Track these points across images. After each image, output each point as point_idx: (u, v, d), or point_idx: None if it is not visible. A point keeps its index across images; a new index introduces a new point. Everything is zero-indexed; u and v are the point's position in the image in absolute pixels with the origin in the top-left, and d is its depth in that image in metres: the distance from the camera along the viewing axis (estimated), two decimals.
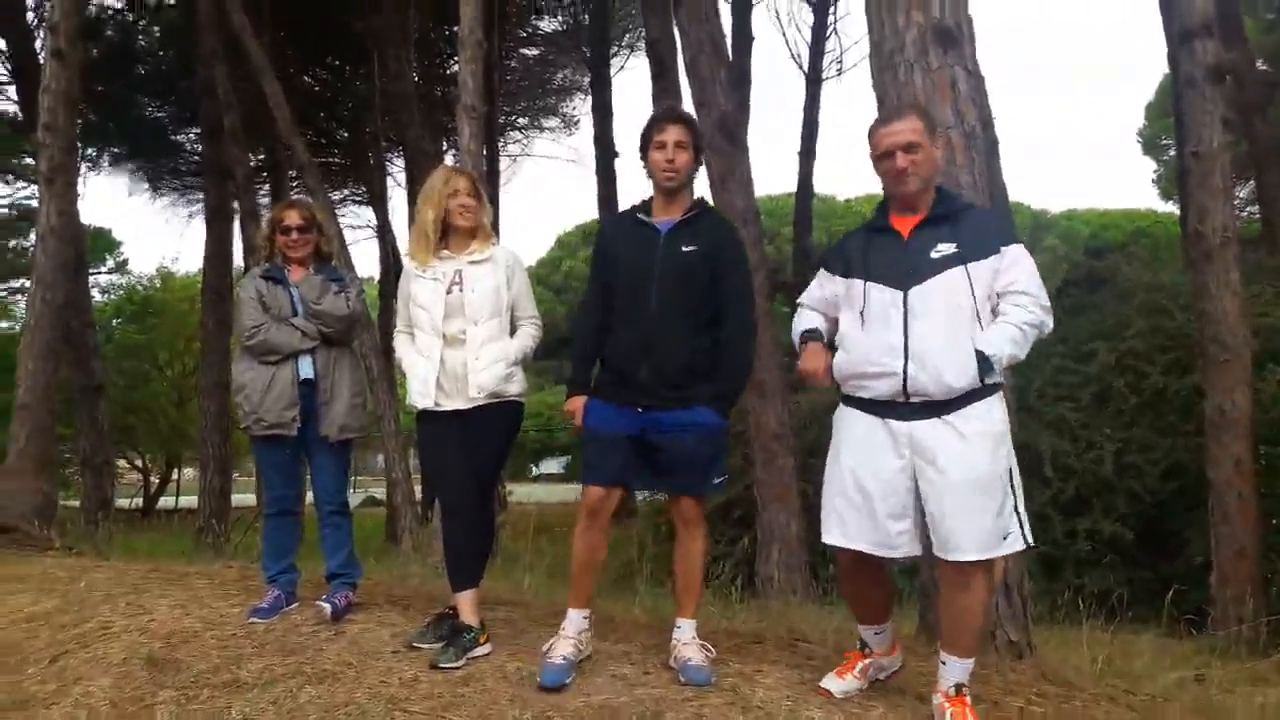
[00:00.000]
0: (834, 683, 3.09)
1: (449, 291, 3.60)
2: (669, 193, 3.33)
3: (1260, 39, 17.37)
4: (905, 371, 2.82)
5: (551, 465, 38.23)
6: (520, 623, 3.99)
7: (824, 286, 3.14)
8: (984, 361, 2.77)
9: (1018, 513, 2.81)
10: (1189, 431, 7.21)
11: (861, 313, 2.95)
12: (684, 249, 3.27)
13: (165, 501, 24.51)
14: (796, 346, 3.17)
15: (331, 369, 4.06)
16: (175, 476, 26.38)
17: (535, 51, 21.31)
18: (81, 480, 14.09)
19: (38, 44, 15.15)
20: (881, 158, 2.97)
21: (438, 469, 3.62)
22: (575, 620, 3.32)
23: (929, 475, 2.80)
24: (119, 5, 17.58)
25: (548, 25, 20.50)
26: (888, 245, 2.98)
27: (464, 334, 3.56)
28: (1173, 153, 25.80)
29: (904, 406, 2.85)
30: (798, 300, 3.27)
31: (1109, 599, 5.89)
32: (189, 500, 19.28)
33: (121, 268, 27.06)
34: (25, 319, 7.85)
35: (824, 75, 15.26)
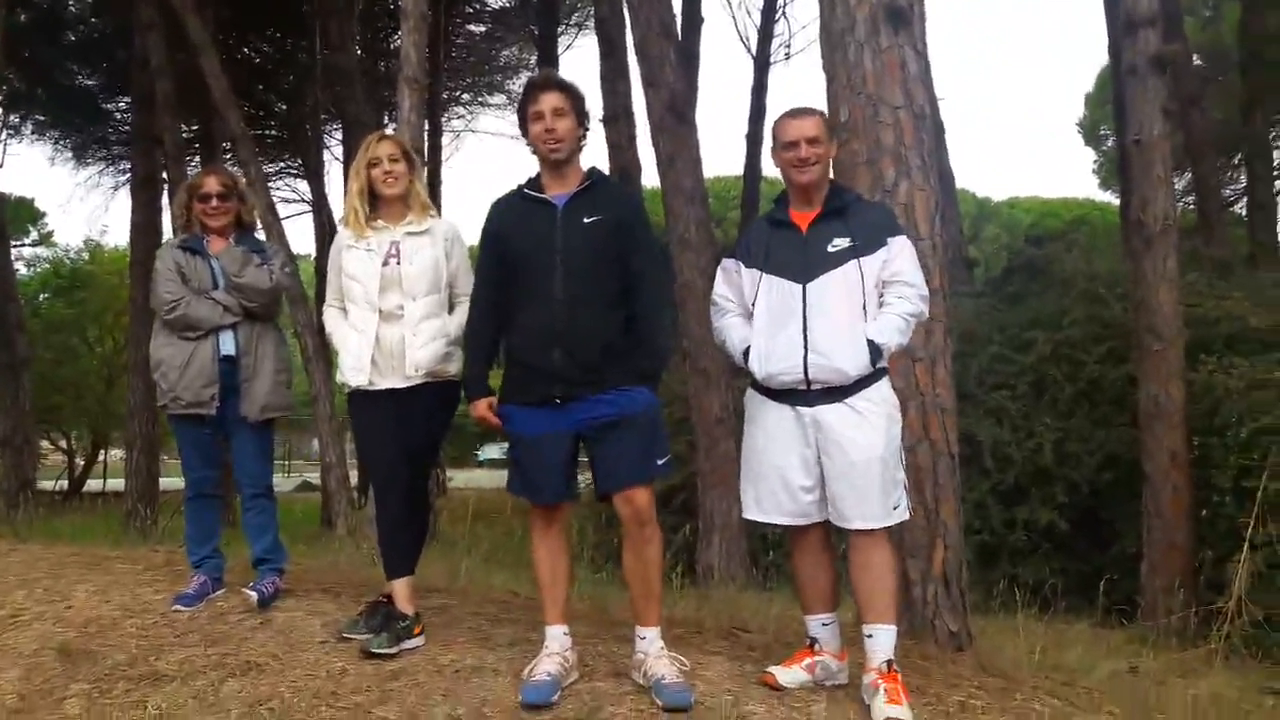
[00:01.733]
0: (781, 672, 3.06)
1: (385, 264, 3.43)
2: (557, 165, 3.11)
3: (1198, 36, 17.78)
4: (806, 362, 3.00)
5: (494, 450, 37.93)
6: (455, 611, 3.88)
7: (731, 277, 3.24)
8: (875, 350, 3.00)
9: (905, 489, 3.08)
10: (1124, 422, 7.31)
11: (764, 304, 3.11)
12: (585, 220, 3.05)
13: (93, 484, 23.77)
14: (737, 358, 3.18)
15: (254, 345, 3.88)
16: (102, 458, 25.62)
17: (482, 28, 21.01)
18: (1, 460, 13.60)
19: None
20: (786, 147, 3.13)
21: (371, 451, 3.49)
22: (556, 637, 3.05)
23: (832, 454, 3.00)
24: None
25: (495, 2, 20.24)
26: (787, 239, 3.14)
27: (401, 309, 3.40)
28: (1112, 142, 26.34)
29: (807, 393, 3.03)
30: (713, 297, 3.31)
31: (1044, 588, 5.97)
32: (117, 483, 18.76)
33: (46, 239, 26.14)
34: None
35: (772, 60, 15.24)
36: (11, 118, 19.07)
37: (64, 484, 22.88)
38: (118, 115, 19.13)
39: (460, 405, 3.53)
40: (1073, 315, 8.13)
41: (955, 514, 3.92)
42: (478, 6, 20.22)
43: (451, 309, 3.50)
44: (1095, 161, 29.99)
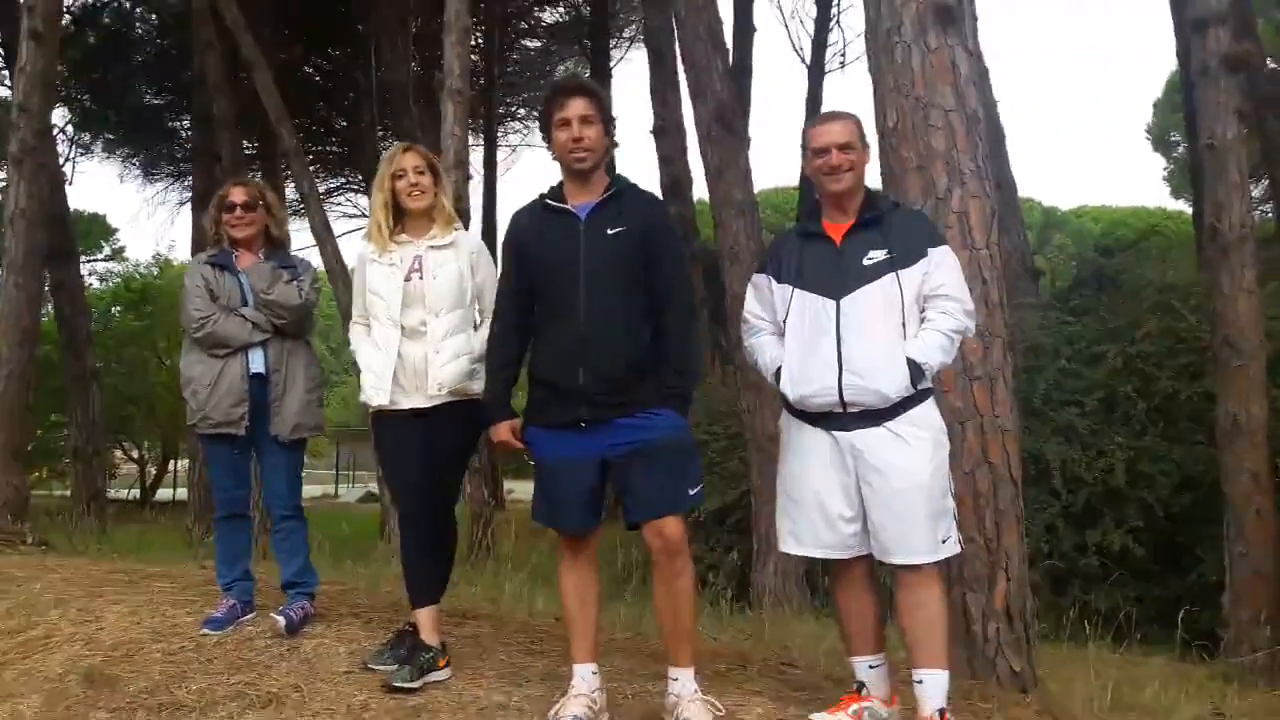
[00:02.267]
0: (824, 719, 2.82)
1: (407, 279, 3.30)
2: (581, 175, 2.93)
3: (1272, 38, 17.10)
4: (840, 383, 2.81)
5: None
6: (487, 640, 3.72)
7: (762, 293, 3.06)
8: (915, 369, 2.80)
9: (954, 516, 2.86)
10: (1201, 440, 6.93)
11: (797, 322, 2.93)
12: (609, 232, 2.88)
13: (163, 493, 24.26)
14: (769, 379, 2.99)
15: (284, 363, 3.77)
16: (172, 467, 26.14)
17: (536, 43, 21.17)
18: (73, 470, 13.86)
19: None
20: (817, 153, 2.97)
21: (394, 473, 3.37)
22: (584, 677, 2.88)
23: (873, 482, 2.80)
24: None
25: (549, 17, 20.35)
26: (820, 252, 2.95)
27: (424, 326, 3.27)
28: (1182, 149, 25.59)
29: (843, 417, 2.83)
30: (744, 314, 3.13)
31: (1118, 617, 5.64)
32: (185, 492, 19.10)
33: (118, 255, 26.82)
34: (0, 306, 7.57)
35: (827, 68, 15.01)
36: (82, 136, 19.61)
37: (136, 493, 23.39)
38: (182, 133, 19.61)
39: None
40: (1145, 328, 7.76)
41: (1018, 543, 3.66)
42: (532, 22, 20.40)
43: (477, 325, 3.36)
44: (1165, 169, 29.22)
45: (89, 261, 24.16)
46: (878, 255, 2.86)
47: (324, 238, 10.17)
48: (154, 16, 17.82)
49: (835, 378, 2.80)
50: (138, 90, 18.69)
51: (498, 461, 15.44)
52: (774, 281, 3.00)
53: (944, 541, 2.80)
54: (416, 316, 3.28)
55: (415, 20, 14.67)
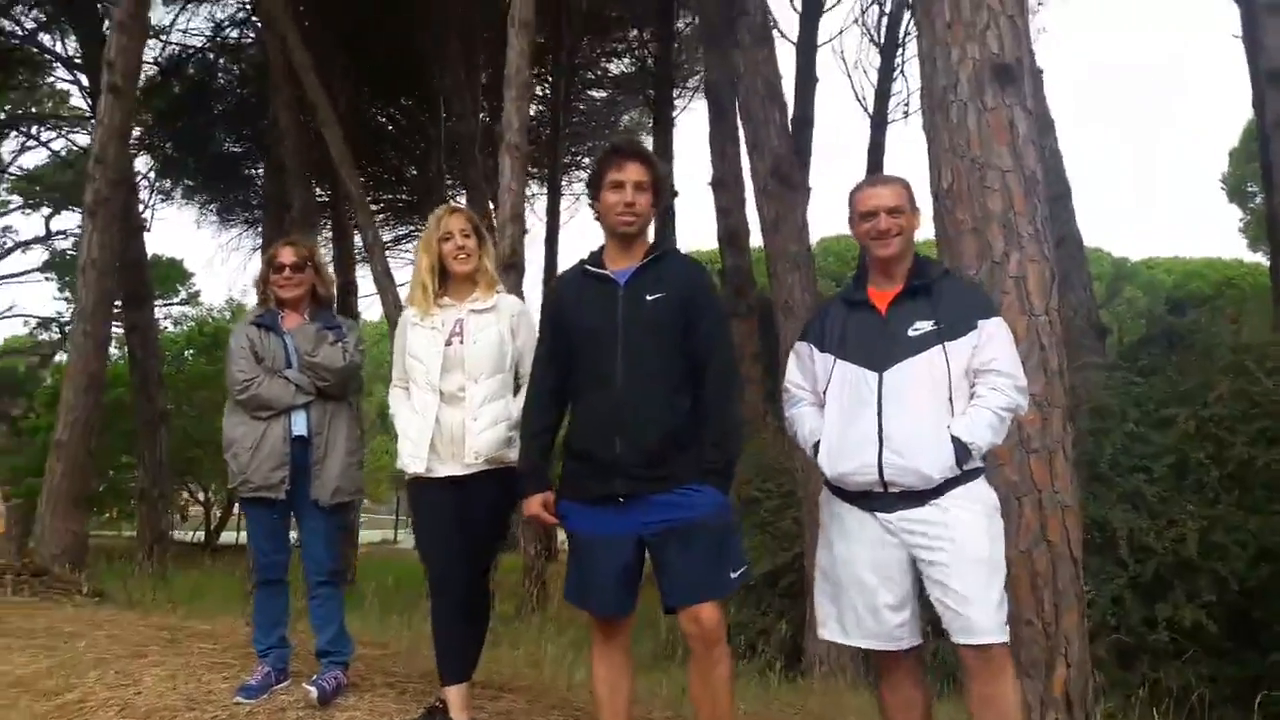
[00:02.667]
0: None
1: (448, 343, 3.28)
2: (625, 239, 2.89)
3: None
4: (880, 461, 2.69)
5: None
6: (521, 718, 3.63)
7: (804, 362, 2.96)
8: (961, 449, 2.67)
9: (1007, 589, 2.71)
10: (1279, 511, 6.57)
11: (837, 393, 2.82)
12: (649, 298, 2.82)
13: (228, 535, 24.65)
14: (807, 453, 2.88)
15: (326, 426, 3.74)
16: (236, 511, 26.56)
17: (602, 94, 21.47)
18: (139, 513, 14.12)
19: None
20: (864, 217, 2.89)
21: (428, 542, 3.32)
22: None
23: (929, 559, 2.66)
24: (200, 44, 18.09)
25: (615, 68, 20.64)
26: (864, 321, 2.87)
27: (462, 391, 3.25)
28: (1259, 200, 24.88)
29: (885, 497, 2.71)
30: (785, 383, 3.04)
31: (1189, 697, 5.33)
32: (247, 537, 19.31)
33: (193, 299, 27.60)
34: (69, 353, 7.80)
35: (890, 118, 14.91)
36: (163, 183, 20.30)
37: (201, 535, 23.80)
38: (258, 180, 20.23)
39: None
40: (1217, 390, 7.43)
41: (1079, 625, 3.48)
42: (599, 73, 20.68)
43: (516, 390, 3.33)
44: (1242, 220, 28.45)
45: (165, 305, 24.92)
46: (924, 326, 2.75)
47: (385, 286, 10.31)
48: (236, 67, 18.47)
49: (875, 455, 2.68)
50: (218, 138, 19.35)
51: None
52: (816, 350, 2.91)
53: (1006, 625, 2.63)
54: (455, 382, 3.26)
55: (485, 71, 14.96)
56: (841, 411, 2.78)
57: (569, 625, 6.22)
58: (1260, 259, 27.58)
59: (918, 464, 2.64)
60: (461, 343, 3.28)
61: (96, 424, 7.91)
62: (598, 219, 2.97)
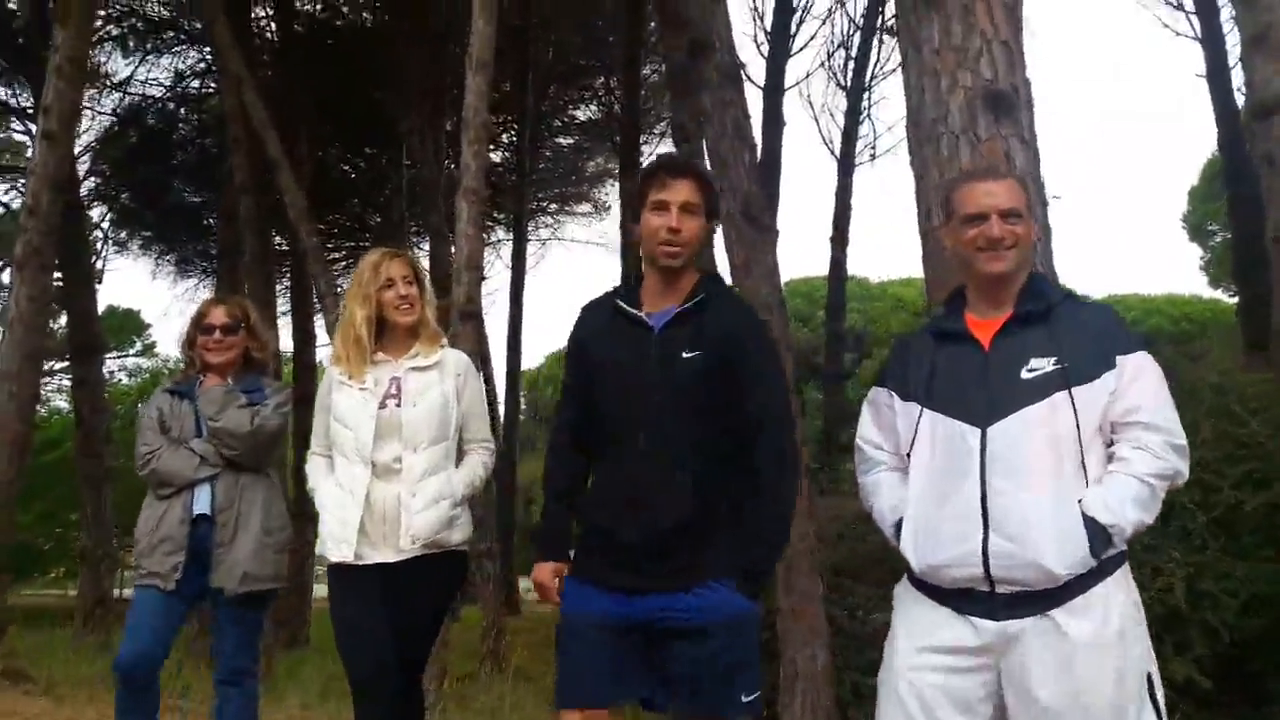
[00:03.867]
0: None
1: (382, 406, 2.88)
2: (668, 273, 2.44)
3: None
4: (985, 549, 2.07)
5: None
6: None
7: (881, 414, 2.37)
8: (1098, 533, 2.04)
9: None
10: (1269, 556, 6.35)
11: (925, 456, 2.20)
12: (685, 355, 2.36)
13: None
14: (887, 534, 2.30)
15: (236, 500, 3.32)
16: None
17: (569, 140, 21.50)
18: (81, 574, 13.55)
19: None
20: (970, 220, 2.24)
21: (351, 642, 2.86)
22: None
23: (1022, 694, 2.04)
24: (160, 94, 17.88)
25: (582, 114, 20.65)
26: (961, 358, 2.24)
27: (399, 463, 2.85)
28: (1219, 238, 25.23)
29: (989, 599, 2.08)
30: (857, 442, 2.45)
31: None
32: None
33: (149, 350, 27.07)
34: None
35: (856, 160, 14.99)
36: (118, 233, 19.95)
37: None
38: (216, 231, 19.91)
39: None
40: (1202, 434, 7.24)
41: None
42: (565, 120, 20.69)
43: (459, 459, 2.97)
44: (1202, 258, 28.88)
45: (120, 356, 24.37)
46: (1043, 365, 2.13)
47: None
48: (196, 118, 18.28)
49: (979, 542, 2.07)
50: (176, 189, 19.08)
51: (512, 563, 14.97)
52: (897, 398, 2.31)
53: None
54: (390, 451, 2.87)
55: (450, 119, 14.83)
56: (932, 481, 2.17)
57: (532, 689, 5.87)
58: (1220, 295, 27.96)
59: (1038, 555, 2.03)
60: (399, 405, 2.90)
61: (17, 490, 7.42)
62: (640, 248, 2.50)
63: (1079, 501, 2.07)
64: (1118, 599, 2.10)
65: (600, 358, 2.50)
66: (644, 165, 2.69)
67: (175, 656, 4.98)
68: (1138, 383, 2.16)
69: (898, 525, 2.25)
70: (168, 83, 17.50)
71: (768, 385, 2.43)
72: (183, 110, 18.29)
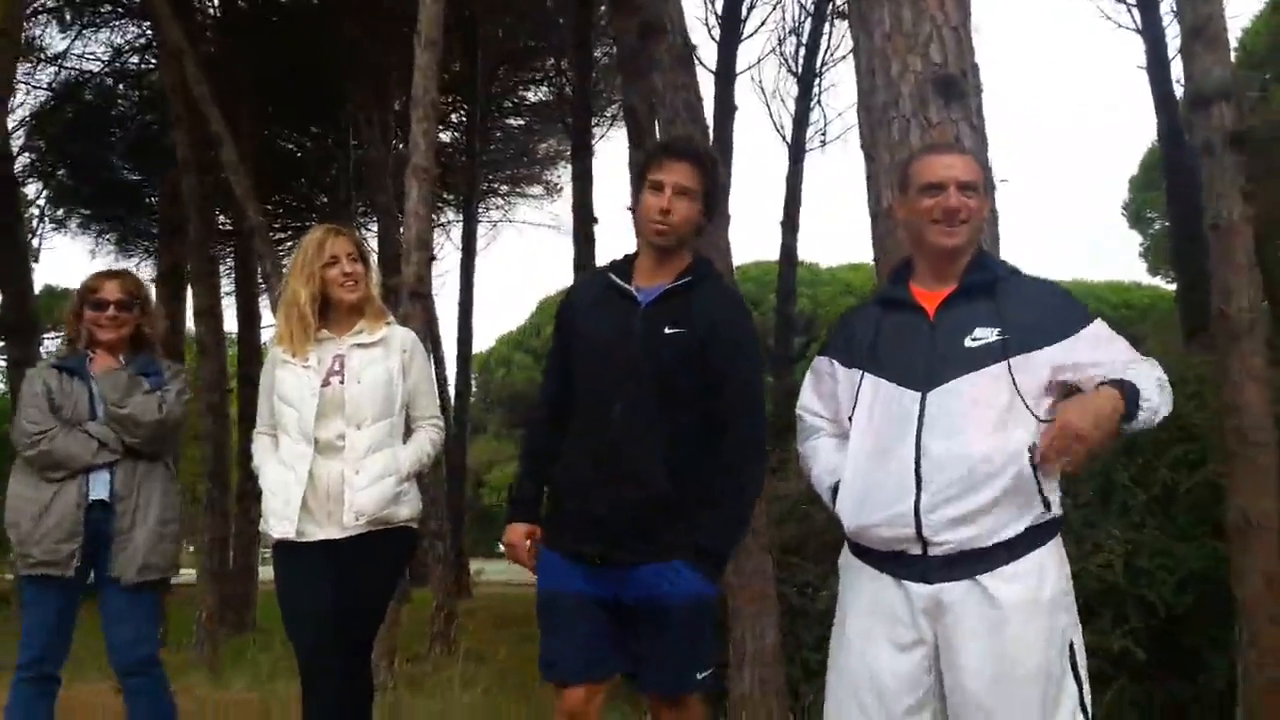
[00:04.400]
0: None
1: (325, 383, 2.87)
2: (660, 252, 2.51)
3: (1248, 119, 17.25)
4: (918, 509, 2.10)
5: None
6: None
7: (823, 382, 2.40)
8: (1133, 394, 1.98)
9: (1084, 709, 2.10)
10: (1203, 534, 6.54)
11: (865, 420, 2.22)
12: (667, 331, 2.43)
13: None
14: (824, 499, 2.34)
15: (135, 489, 3.24)
16: None
17: (520, 121, 21.36)
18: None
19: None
20: (927, 190, 2.24)
21: (296, 620, 2.85)
22: None
23: (954, 665, 2.09)
24: (97, 69, 17.40)
25: (533, 96, 20.53)
26: (906, 327, 2.27)
27: (342, 440, 2.84)
28: (1159, 226, 25.82)
29: (921, 562, 2.12)
30: (798, 409, 2.49)
31: None
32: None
33: None
34: None
35: (807, 147, 15.06)
36: (56, 212, 19.43)
37: None
38: (157, 209, 19.47)
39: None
40: None
41: None
42: (516, 101, 20.54)
43: (408, 436, 2.94)
44: (1142, 245, 29.51)
45: (57, 338, 23.78)
46: (986, 335, 2.16)
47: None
48: (136, 94, 17.82)
49: (911, 503, 2.11)
50: (116, 166, 18.63)
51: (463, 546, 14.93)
52: (840, 366, 2.34)
53: None
54: (333, 429, 2.85)
55: (398, 99, 14.63)
56: (869, 443, 2.20)
57: (483, 669, 5.86)
58: (1159, 282, 28.64)
59: (968, 507, 2.06)
60: (342, 382, 2.88)
61: None
62: (635, 226, 2.58)
63: (1013, 457, 2.07)
64: (1051, 567, 2.15)
65: (585, 327, 2.56)
66: (651, 145, 2.72)
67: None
68: (1112, 343, 2.20)
69: (834, 488, 2.28)
70: (105, 58, 17.04)
71: (745, 375, 2.51)
72: (121, 86, 17.81)
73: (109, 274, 3.52)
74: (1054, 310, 2.22)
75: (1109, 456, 7.30)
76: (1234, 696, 5.63)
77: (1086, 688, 2.17)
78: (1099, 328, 2.20)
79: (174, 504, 3.40)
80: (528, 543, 2.54)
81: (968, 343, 2.16)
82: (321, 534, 2.84)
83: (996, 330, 2.16)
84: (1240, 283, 5.60)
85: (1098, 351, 2.16)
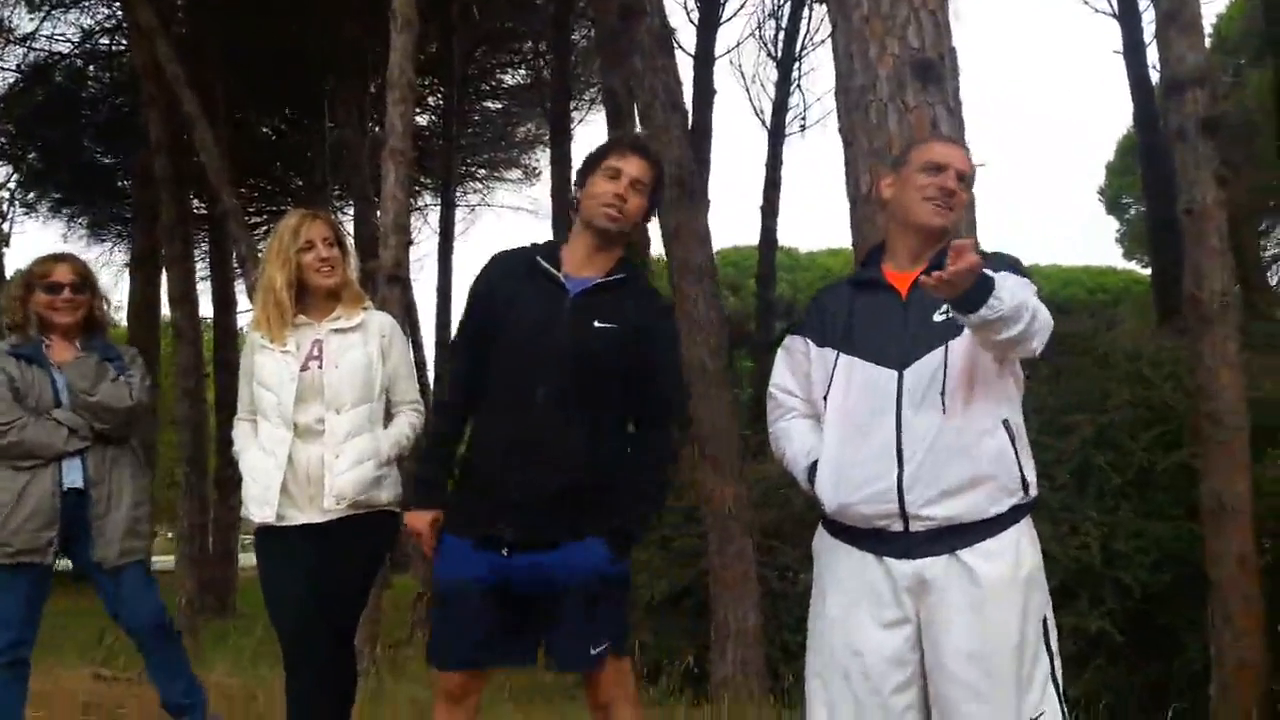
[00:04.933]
0: None
1: (304, 368, 2.84)
2: (601, 237, 2.48)
3: (1221, 104, 17.38)
4: (900, 484, 2.11)
5: None
6: None
7: (796, 361, 2.39)
8: (984, 283, 1.96)
9: (1055, 681, 2.14)
10: (1179, 515, 6.61)
11: (841, 399, 2.22)
12: (597, 324, 2.42)
13: None
14: (800, 479, 2.34)
15: (107, 474, 3.25)
16: None
17: (498, 105, 21.18)
18: None
19: None
20: (928, 169, 2.27)
21: (278, 605, 2.83)
22: None
23: (936, 643, 2.10)
24: (67, 50, 17.09)
25: (510, 79, 20.35)
26: (880, 306, 2.28)
27: (321, 424, 2.82)
28: (1134, 211, 26.00)
29: (903, 538, 2.13)
30: (770, 389, 2.47)
31: (1097, 706, 5.26)
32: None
33: None
34: None
35: (787, 131, 15.01)
36: (26, 195, 19.16)
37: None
38: (130, 193, 19.22)
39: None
40: (1116, 398, 7.49)
41: None
42: (494, 84, 20.36)
43: (388, 421, 2.92)
44: (1118, 230, 29.68)
45: None
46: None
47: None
48: (107, 75, 17.54)
49: (894, 479, 2.11)
50: (88, 149, 18.34)
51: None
52: (813, 345, 2.33)
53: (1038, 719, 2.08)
54: (313, 413, 2.83)
55: (373, 81, 14.48)
56: (848, 423, 2.20)
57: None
58: (1133, 267, 28.86)
59: (950, 480, 2.09)
60: (320, 367, 2.85)
61: None
62: (576, 210, 2.55)
63: (990, 435, 2.12)
64: (1026, 545, 2.19)
65: (508, 309, 2.51)
66: (608, 139, 2.72)
67: (99, 624, 4.88)
68: (1010, 280, 2.12)
69: (811, 469, 2.28)
70: (75, 39, 16.75)
71: (670, 373, 2.57)
72: (92, 68, 17.52)
73: (58, 257, 3.45)
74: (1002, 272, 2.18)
75: (1084, 442, 7.38)
76: (1209, 676, 5.72)
77: (1058, 662, 2.20)
78: (1004, 276, 2.13)
79: (144, 487, 3.41)
80: (430, 531, 2.53)
81: (937, 317, 2.18)
82: (302, 518, 2.81)
83: None
84: (1213, 266, 5.64)
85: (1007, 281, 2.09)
